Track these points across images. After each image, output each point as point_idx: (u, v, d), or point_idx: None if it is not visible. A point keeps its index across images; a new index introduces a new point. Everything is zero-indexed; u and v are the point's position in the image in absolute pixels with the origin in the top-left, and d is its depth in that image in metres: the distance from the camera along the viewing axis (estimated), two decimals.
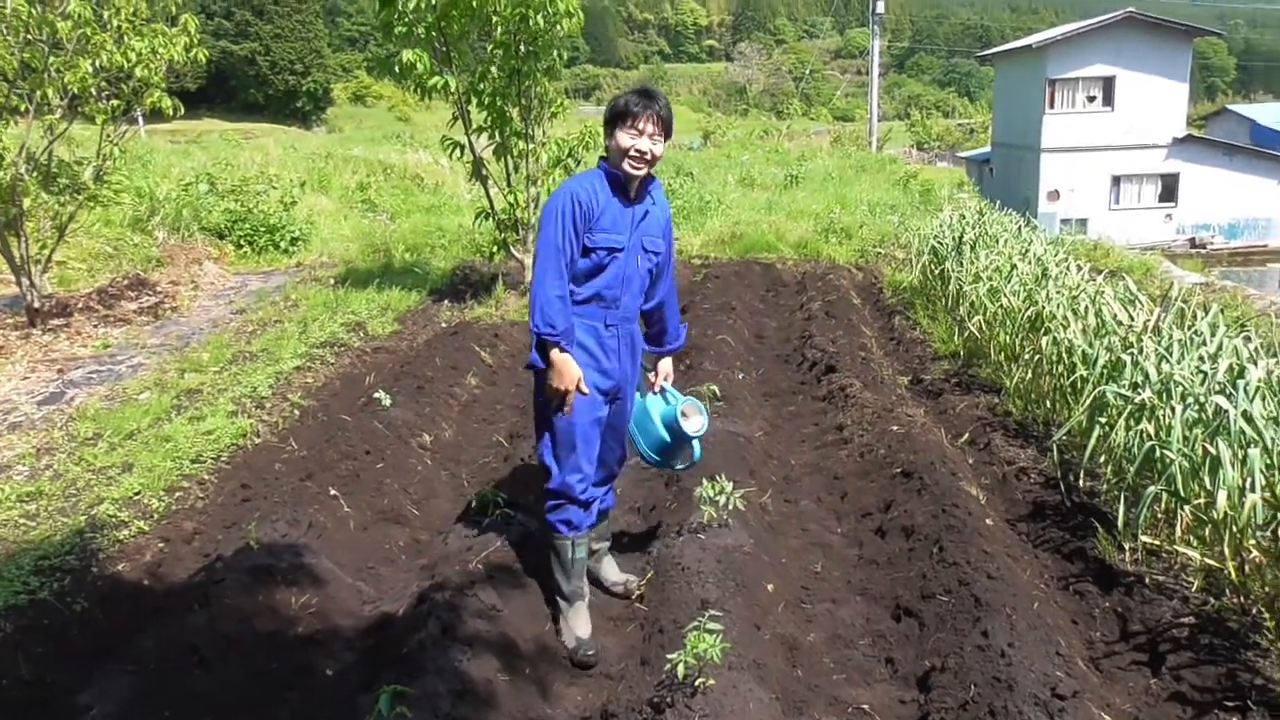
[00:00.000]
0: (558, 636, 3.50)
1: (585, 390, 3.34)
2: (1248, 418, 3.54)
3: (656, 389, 3.84)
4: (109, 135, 8.01)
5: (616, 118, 3.31)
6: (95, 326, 7.87)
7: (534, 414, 3.52)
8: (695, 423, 3.74)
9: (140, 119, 10.74)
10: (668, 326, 3.78)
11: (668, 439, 3.74)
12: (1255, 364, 3.96)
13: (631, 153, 3.30)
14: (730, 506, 3.91)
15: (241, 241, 11.28)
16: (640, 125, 3.28)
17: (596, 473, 3.55)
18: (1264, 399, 3.75)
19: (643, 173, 3.35)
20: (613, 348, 3.45)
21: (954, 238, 8.54)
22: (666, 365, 3.87)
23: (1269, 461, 3.39)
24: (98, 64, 7.37)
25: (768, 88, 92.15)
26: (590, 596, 3.65)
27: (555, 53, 8.38)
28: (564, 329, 3.25)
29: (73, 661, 3.36)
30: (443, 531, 4.34)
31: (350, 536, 4.20)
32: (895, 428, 5.13)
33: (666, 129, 3.34)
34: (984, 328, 6.70)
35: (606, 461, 3.65)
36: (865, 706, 3.08)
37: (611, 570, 3.90)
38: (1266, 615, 3.34)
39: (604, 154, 3.47)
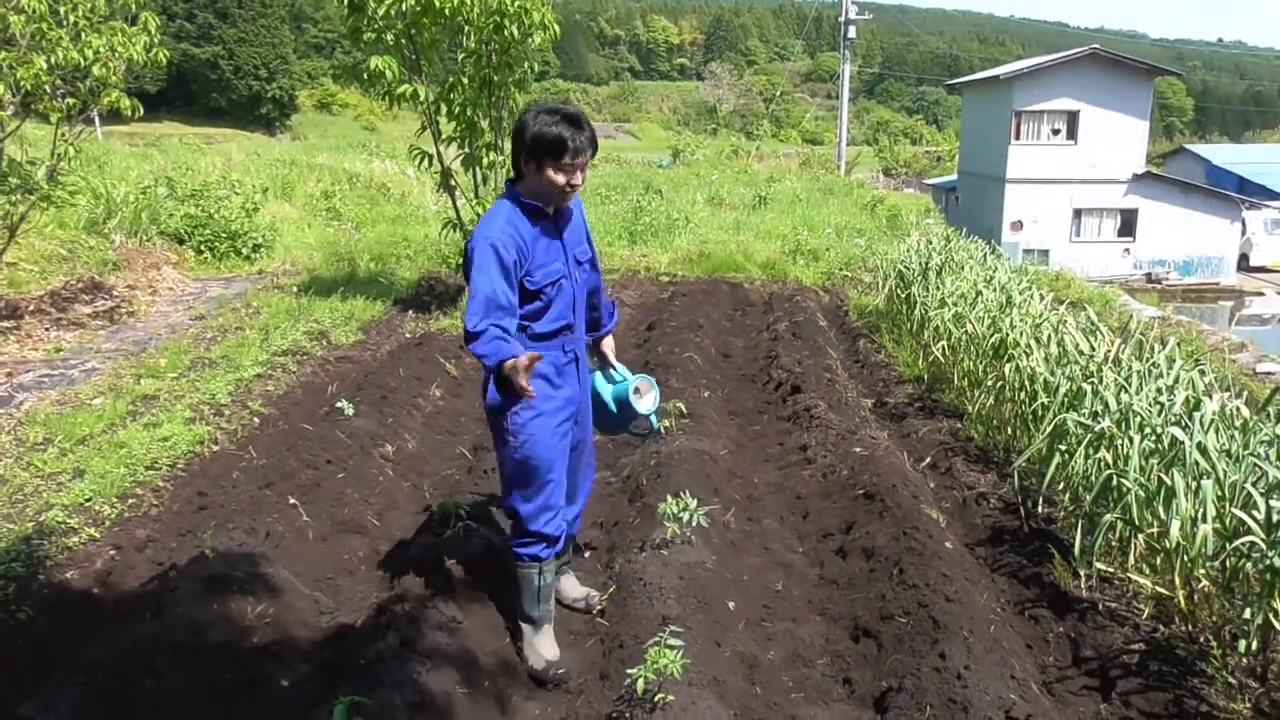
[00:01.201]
0: (520, 658, 3.46)
1: (529, 387, 2.93)
2: (1202, 450, 3.61)
3: (605, 367, 3.78)
4: (64, 135, 7.83)
5: (545, 151, 3.03)
6: (47, 330, 7.71)
7: (498, 462, 3.37)
8: (648, 400, 3.71)
9: (97, 120, 10.54)
10: (601, 311, 3.68)
11: (615, 411, 3.69)
12: (1210, 397, 4.05)
13: (566, 188, 3.10)
14: (693, 523, 3.92)
15: (202, 247, 11.12)
16: (576, 160, 3.07)
17: (572, 501, 3.54)
18: (1217, 432, 3.84)
19: (572, 199, 3.21)
20: (570, 372, 3.35)
21: (920, 263, 8.65)
22: (608, 344, 3.78)
23: (1220, 493, 3.46)
24: (53, 61, 7.17)
25: (738, 108, 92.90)
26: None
27: (527, 64, 8.39)
28: (518, 349, 2.96)
29: (17, 672, 3.27)
30: (403, 543, 4.30)
31: (309, 546, 4.14)
32: (858, 450, 5.17)
33: (596, 149, 3.16)
34: (948, 353, 6.78)
35: (575, 486, 3.57)
36: None
37: (572, 586, 3.86)
38: (1213, 644, 3.40)
39: (512, 176, 3.21)
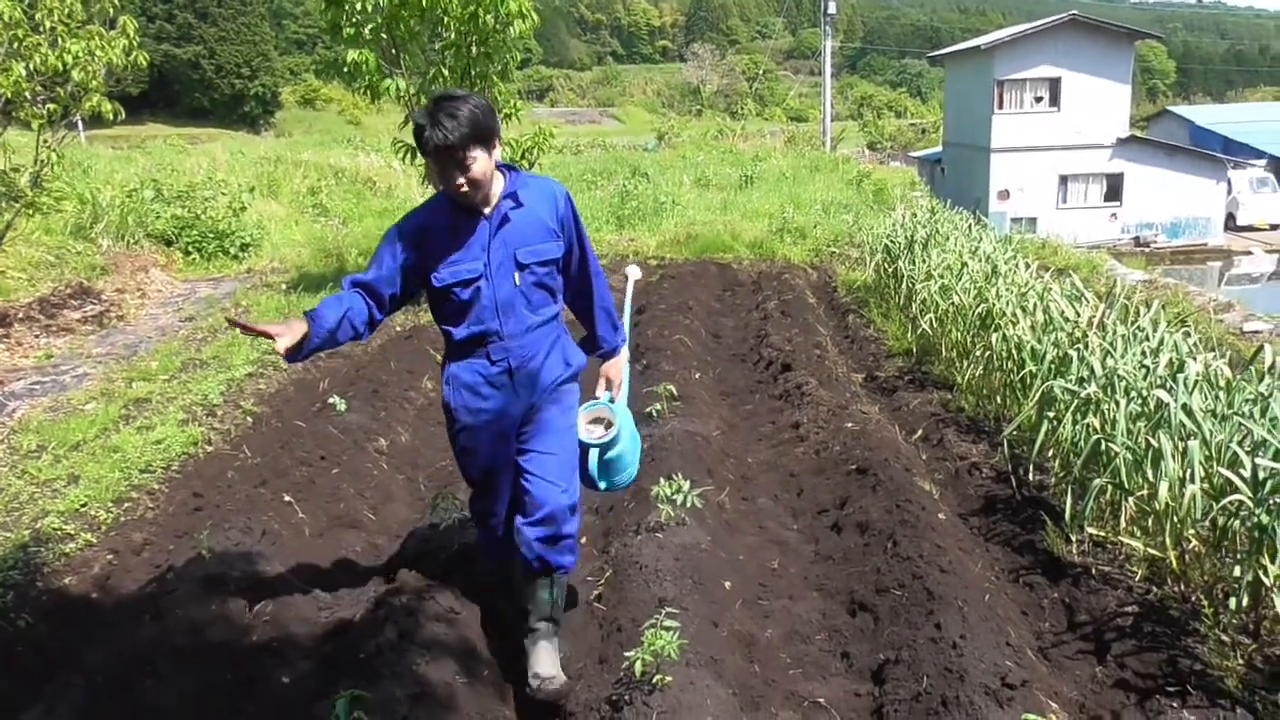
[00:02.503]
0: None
1: (253, 327, 2.79)
2: (1187, 410, 3.64)
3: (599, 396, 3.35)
4: (46, 141, 7.80)
5: (419, 145, 2.82)
6: (37, 337, 7.69)
7: None
8: (596, 431, 3.24)
9: (80, 124, 10.52)
10: (596, 329, 3.29)
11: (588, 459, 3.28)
12: (1194, 358, 4.07)
13: (449, 188, 2.84)
14: (688, 505, 3.94)
15: (190, 248, 11.10)
16: (437, 159, 2.77)
17: (520, 511, 3.12)
18: (1202, 392, 3.86)
19: (477, 196, 2.86)
20: (504, 383, 3.00)
21: (906, 237, 8.66)
22: (611, 369, 3.34)
23: (1207, 453, 3.49)
24: (32, 67, 7.12)
25: (721, 88, 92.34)
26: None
27: (508, 54, 8.36)
28: (319, 311, 2.88)
29: (18, 678, 3.29)
30: (400, 536, 4.31)
31: (306, 543, 4.16)
32: (850, 425, 5.20)
33: (480, 140, 2.78)
34: (936, 325, 6.80)
35: (525, 491, 3.08)
36: (821, 700, 3.12)
37: (543, 659, 3.08)
38: (1205, 602, 3.43)
39: None
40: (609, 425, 3.27)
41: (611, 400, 3.33)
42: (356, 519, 4.46)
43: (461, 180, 2.80)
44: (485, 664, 3.24)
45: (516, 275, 2.95)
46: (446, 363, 3.10)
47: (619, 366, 3.37)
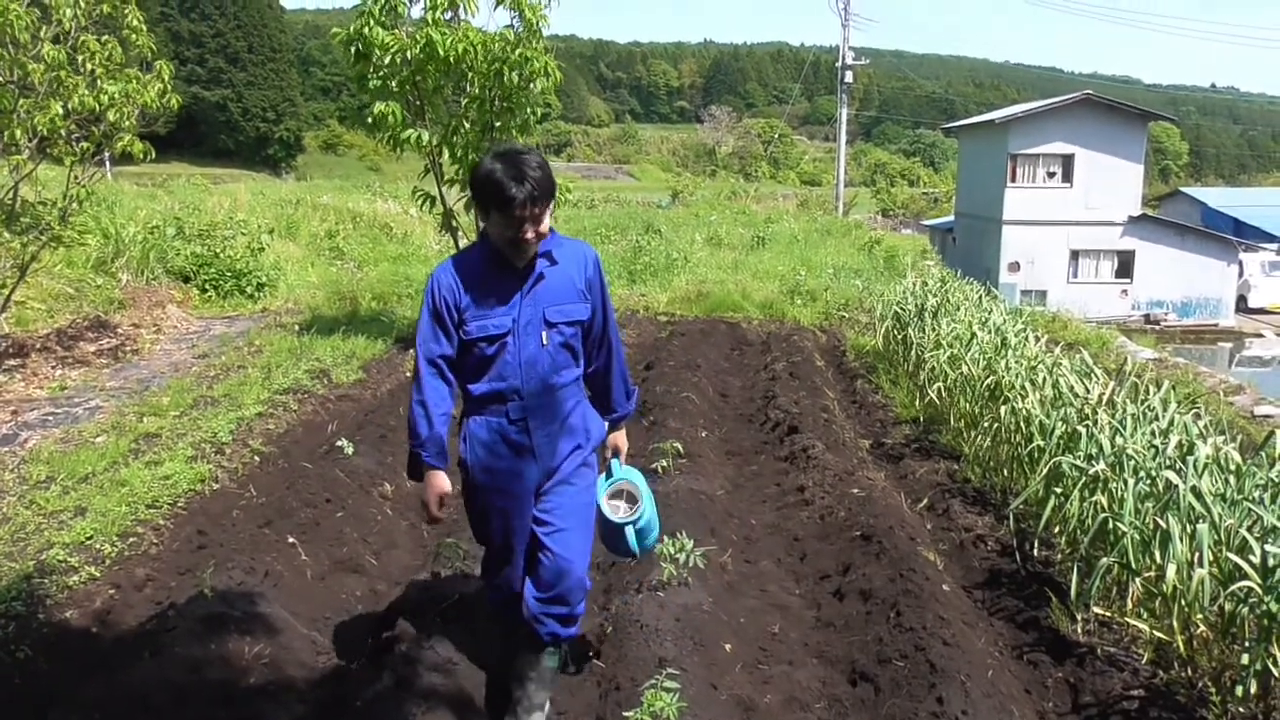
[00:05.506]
0: None
1: (437, 515, 3.06)
2: (1196, 493, 3.64)
3: (606, 463, 3.36)
4: (77, 177, 7.94)
5: (485, 197, 2.83)
6: (53, 368, 7.74)
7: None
8: (621, 508, 3.29)
9: (108, 161, 10.68)
10: (611, 394, 3.27)
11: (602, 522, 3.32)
12: (1204, 441, 4.07)
13: (513, 241, 2.85)
14: (690, 564, 3.93)
15: (207, 286, 11.21)
16: (517, 212, 2.78)
17: (532, 584, 3.13)
18: (1212, 475, 3.86)
19: (532, 251, 2.91)
20: (520, 442, 2.99)
21: (916, 304, 8.72)
22: (616, 438, 3.36)
23: (1216, 538, 3.48)
24: (69, 106, 7.29)
25: (736, 150, 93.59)
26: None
27: (529, 109, 8.52)
28: (423, 437, 2.94)
29: (14, 711, 3.28)
30: (400, 582, 4.30)
31: (307, 586, 4.15)
32: (856, 491, 5.19)
33: (552, 196, 2.88)
34: (944, 394, 6.82)
35: (542, 566, 3.08)
36: None
37: None
38: (1213, 689, 3.40)
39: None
40: (631, 499, 3.31)
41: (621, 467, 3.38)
42: (359, 564, 4.46)
43: (531, 234, 2.83)
44: (482, 716, 3.21)
45: (544, 334, 2.95)
46: (464, 419, 3.06)
47: (624, 435, 3.41)
